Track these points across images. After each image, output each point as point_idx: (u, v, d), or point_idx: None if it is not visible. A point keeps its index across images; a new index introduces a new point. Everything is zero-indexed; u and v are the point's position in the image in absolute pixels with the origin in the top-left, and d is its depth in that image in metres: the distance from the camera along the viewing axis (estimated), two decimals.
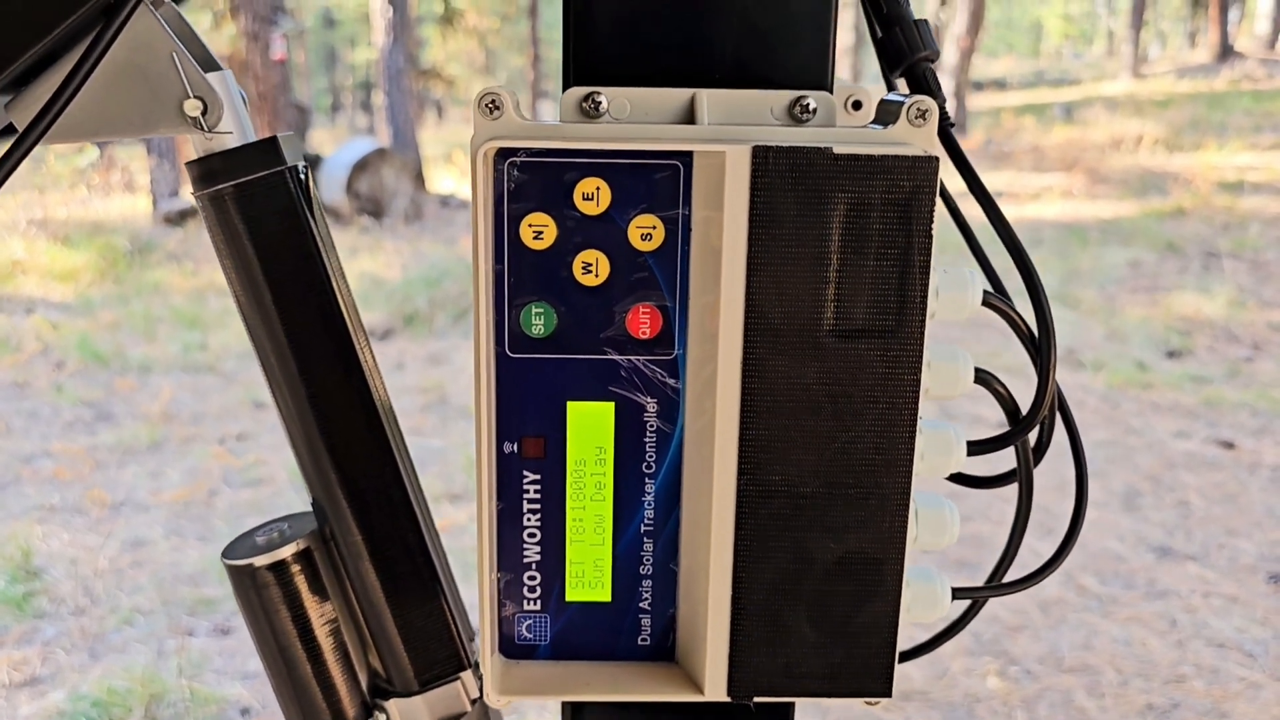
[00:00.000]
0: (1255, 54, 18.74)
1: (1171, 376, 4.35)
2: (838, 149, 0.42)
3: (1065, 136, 11.58)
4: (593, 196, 0.44)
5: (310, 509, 0.58)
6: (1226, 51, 18.59)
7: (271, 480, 3.59)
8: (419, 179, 9.40)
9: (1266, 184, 8.17)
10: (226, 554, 0.57)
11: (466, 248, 7.47)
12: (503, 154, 0.43)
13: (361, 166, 8.63)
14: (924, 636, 0.54)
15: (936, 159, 0.42)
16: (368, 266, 6.91)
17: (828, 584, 0.46)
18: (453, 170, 12.25)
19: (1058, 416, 0.51)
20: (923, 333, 0.43)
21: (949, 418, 3.64)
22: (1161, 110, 12.77)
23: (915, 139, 0.44)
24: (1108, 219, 7.55)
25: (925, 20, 0.50)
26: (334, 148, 10.42)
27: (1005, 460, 0.52)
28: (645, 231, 0.45)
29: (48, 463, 3.82)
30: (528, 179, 0.44)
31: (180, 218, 8.88)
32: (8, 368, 5.02)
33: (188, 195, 9.29)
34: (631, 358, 0.46)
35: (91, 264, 7.24)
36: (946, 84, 11.12)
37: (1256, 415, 3.92)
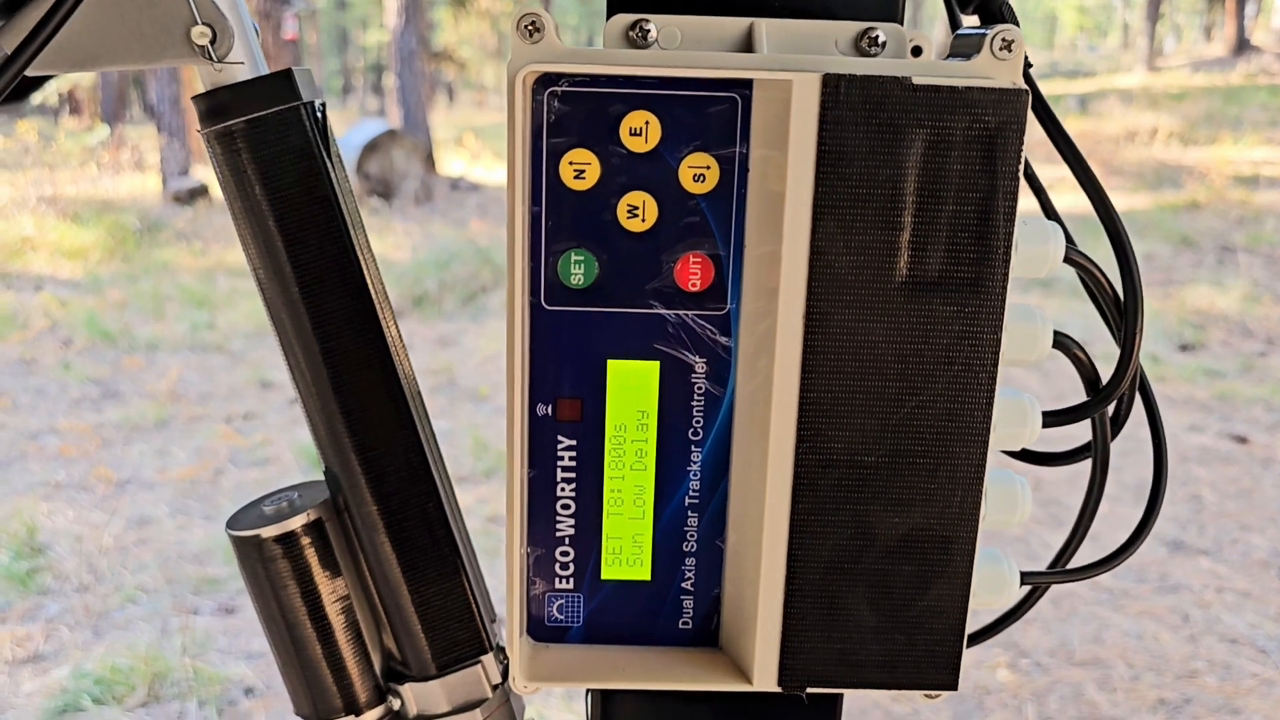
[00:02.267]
0: (1271, 48, 18.57)
1: (1185, 370, 4.30)
2: (917, 79, 0.37)
3: (1079, 128, 11.47)
4: (641, 132, 0.40)
5: (322, 477, 0.54)
6: (1243, 45, 18.43)
7: (278, 460, 3.56)
8: (429, 161, 9.36)
9: None
10: (232, 524, 0.53)
11: (476, 230, 7.45)
12: (543, 82, 0.39)
13: (372, 148, 8.60)
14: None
15: (1027, 92, 0.38)
16: (377, 248, 6.78)
17: (891, 564, 0.42)
18: (463, 153, 12.21)
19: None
20: (1005, 288, 0.39)
21: None
22: (1176, 103, 12.66)
23: (999, 73, 0.40)
24: (1121, 211, 7.42)
25: None
26: (345, 129, 10.37)
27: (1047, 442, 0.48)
28: (698, 172, 0.40)
29: (54, 439, 3.80)
30: (570, 111, 0.39)
31: (190, 197, 8.88)
32: (15, 344, 5.01)
33: (197, 174, 9.30)
34: (680, 312, 0.42)
35: (100, 242, 7.22)
36: None
37: (1270, 410, 3.88)
